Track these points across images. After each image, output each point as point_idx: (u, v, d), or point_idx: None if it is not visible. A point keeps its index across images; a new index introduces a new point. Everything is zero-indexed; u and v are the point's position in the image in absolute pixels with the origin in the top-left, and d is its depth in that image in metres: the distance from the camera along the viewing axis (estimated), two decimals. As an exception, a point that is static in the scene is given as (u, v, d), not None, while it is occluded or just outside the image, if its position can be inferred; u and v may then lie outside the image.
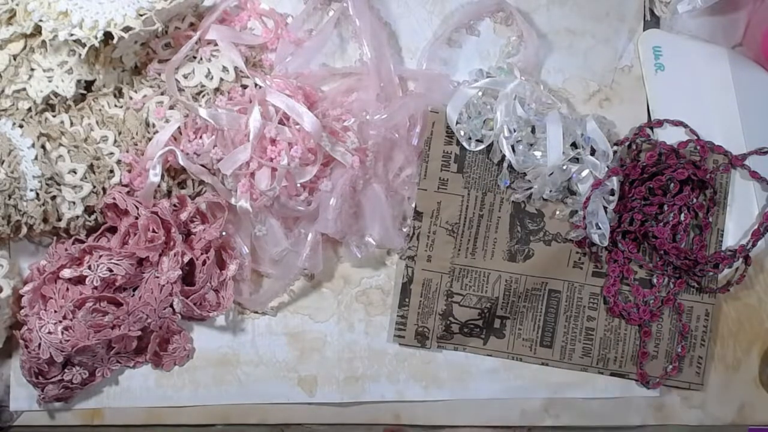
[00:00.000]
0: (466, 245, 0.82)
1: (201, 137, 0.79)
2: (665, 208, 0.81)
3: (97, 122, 0.79)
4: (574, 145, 0.80)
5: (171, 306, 0.78)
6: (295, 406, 0.82)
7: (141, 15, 0.75)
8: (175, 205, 0.79)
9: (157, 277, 0.77)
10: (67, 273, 0.76)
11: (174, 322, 0.79)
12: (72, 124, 0.79)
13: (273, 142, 0.78)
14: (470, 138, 0.82)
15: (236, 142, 0.78)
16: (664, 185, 0.81)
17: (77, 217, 0.78)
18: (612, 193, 0.80)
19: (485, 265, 0.82)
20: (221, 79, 0.81)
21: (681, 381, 0.83)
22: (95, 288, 0.76)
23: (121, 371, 0.81)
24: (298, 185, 0.79)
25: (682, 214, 0.82)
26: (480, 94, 0.82)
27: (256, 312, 0.83)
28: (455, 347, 0.83)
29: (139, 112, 0.80)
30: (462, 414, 0.83)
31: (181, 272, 0.77)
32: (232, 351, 0.82)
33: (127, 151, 0.79)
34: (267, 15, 0.85)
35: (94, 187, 0.78)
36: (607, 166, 0.80)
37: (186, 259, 0.77)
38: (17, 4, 0.78)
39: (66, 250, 0.78)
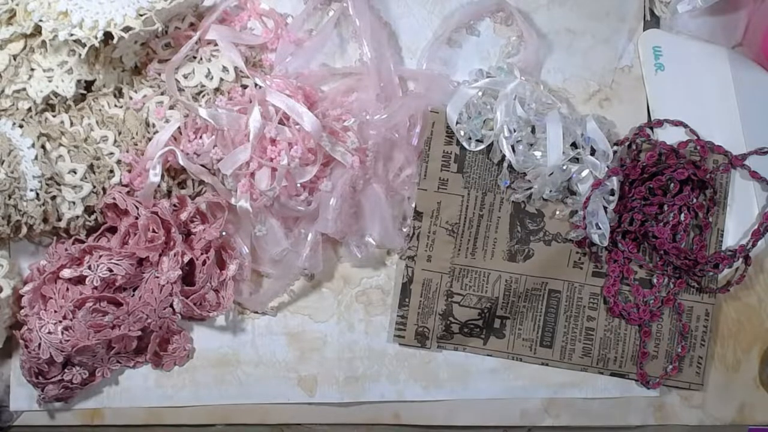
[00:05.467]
0: (466, 245, 0.82)
1: (201, 137, 0.79)
2: (665, 208, 0.81)
3: (97, 122, 0.79)
4: (574, 145, 0.80)
5: (171, 306, 0.78)
6: (295, 406, 0.82)
7: (141, 15, 0.75)
8: (175, 205, 0.79)
9: (157, 277, 0.77)
10: (67, 273, 0.76)
11: (174, 322, 0.79)
12: (72, 124, 0.79)
13: (273, 142, 0.78)
14: (470, 138, 0.82)
15: (236, 142, 0.78)
16: (664, 185, 0.81)
17: (77, 217, 0.78)
18: (612, 193, 0.80)
19: (485, 265, 0.82)
20: (221, 79, 0.81)
21: (681, 381, 0.83)
22: (95, 288, 0.76)
23: (121, 371, 0.81)
24: (298, 185, 0.79)
25: (682, 214, 0.82)
26: (480, 94, 0.82)
27: (256, 312, 0.83)
28: (455, 347, 0.83)
29: (139, 112, 0.80)
30: (462, 414, 0.83)
31: (181, 272, 0.77)
32: (232, 351, 0.82)
33: (127, 151, 0.79)
34: (267, 15, 0.85)
35: (94, 187, 0.78)
36: (607, 166, 0.80)
37: (186, 259, 0.77)
38: (17, 4, 0.78)
39: (66, 250, 0.78)
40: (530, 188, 0.81)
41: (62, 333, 0.75)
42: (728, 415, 0.84)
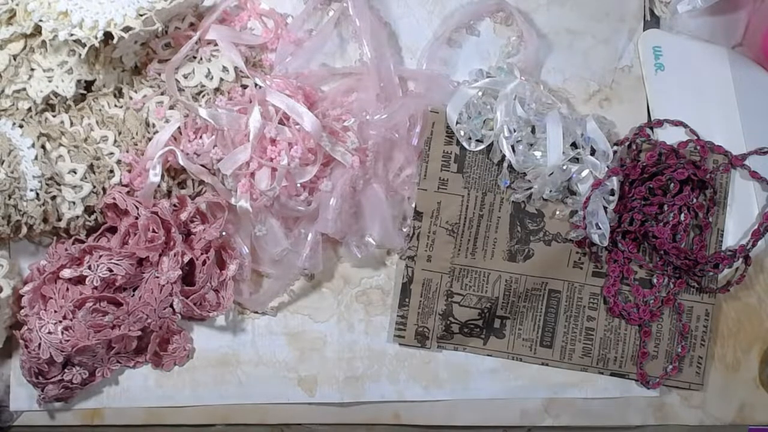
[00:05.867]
0: (466, 245, 0.82)
1: (201, 137, 0.79)
2: (665, 208, 0.81)
3: (97, 122, 0.79)
4: (574, 145, 0.80)
5: (171, 306, 0.78)
6: (295, 406, 0.82)
7: (141, 15, 0.75)
8: (175, 205, 0.79)
9: (157, 277, 0.77)
10: (67, 273, 0.76)
11: (174, 322, 0.79)
12: (72, 124, 0.79)
13: (273, 142, 0.78)
14: (470, 138, 0.82)
15: (236, 142, 0.78)
16: (664, 185, 0.81)
17: (77, 217, 0.78)
18: (612, 193, 0.80)
19: (485, 265, 0.82)
20: (221, 79, 0.81)
21: (681, 381, 0.83)
22: (95, 288, 0.76)
23: (121, 371, 0.81)
24: (298, 185, 0.79)
25: (682, 214, 0.82)
26: (480, 94, 0.82)
27: (256, 312, 0.83)
28: (455, 347, 0.83)
29: (139, 112, 0.80)
30: (462, 414, 0.83)
31: (181, 272, 0.77)
32: (232, 351, 0.82)
33: (127, 151, 0.79)
34: (267, 15, 0.85)
35: (94, 187, 0.78)
36: (607, 166, 0.80)
37: (186, 259, 0.77)
38: (17, 4, 0.78)
39: (66, 250, 0.78)
40: (530, 188, 0.81)
41: (62, 333, 0.75)
42: (728, 415, 0.84)
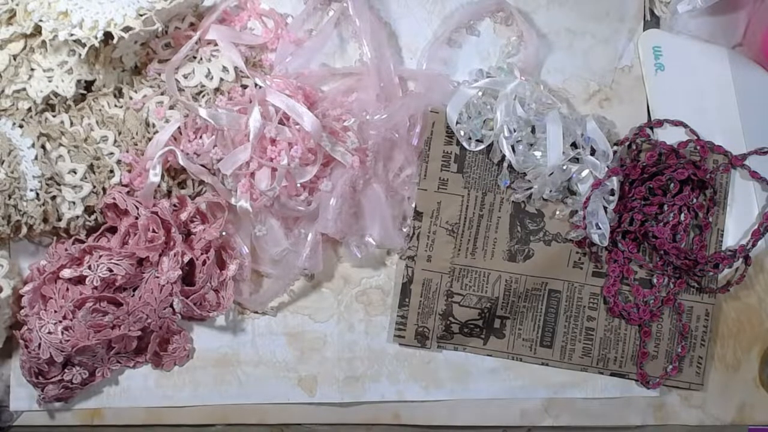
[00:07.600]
0: (466, 245, 0.82)
1: (201, 137, 0.79)
2: (665, 208, 0.81)
3: (97, 122, 0.79)
4: (574, 145, 0.80)
5: (171, 306, 0.78)
6: (295, 406, 0.82)
7: (141, 15, 0.75)
8: (175, 205, 0.79)
9: (157, 277, 0.77)
10: (67, 273, 0.76)
11: (174, 322, 0.79)
12: (72, 124, 0.79)
13: (273, 142, 0.78)
14: (470, 138, 0.82)
15: (236, 142, 0.78)
16: (664, 185, 0.81)
17: (77, 217, 0.78)
18: (612, 193, 0.80)
19: (485, 265, 0.82)
20: (221, 79, 0.81)
21: (681, 381, 0.83)
22: (95, 288, 0.76)
23: (121, 371, 0.81)
24: (298, 185, 0.79)
25: (682, 214, 0.82)
26: (480, 94, 0.82)
27: (256, 312, 0.83)
28: (455, 347, 0.83)
29: (139, 112, 0.80)
30: (462, 414, 0.83)
31: (181, 272, 0.77)
32: (232, 351, 0.82)
33: (127, 151, 0.79)
34: (267, 15, 0.85)
35: (94, 187, 0.78)
36: (607, 166, 0.80)
37: (186, 259, 0.77)
38: (17, 4, 0.78)
39: (66, 250, 0.78)
40: (530, 188, 0.81)
41: (62, 333, 0.75)
42: (728, 415, 0.84)
